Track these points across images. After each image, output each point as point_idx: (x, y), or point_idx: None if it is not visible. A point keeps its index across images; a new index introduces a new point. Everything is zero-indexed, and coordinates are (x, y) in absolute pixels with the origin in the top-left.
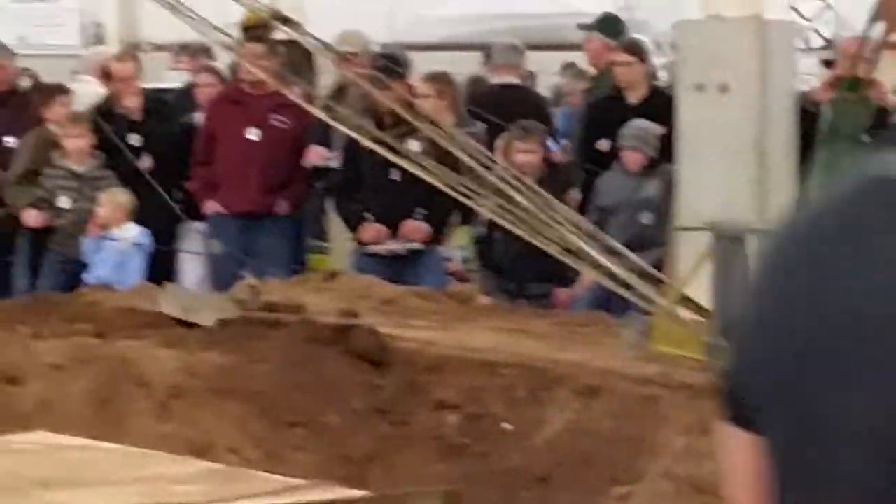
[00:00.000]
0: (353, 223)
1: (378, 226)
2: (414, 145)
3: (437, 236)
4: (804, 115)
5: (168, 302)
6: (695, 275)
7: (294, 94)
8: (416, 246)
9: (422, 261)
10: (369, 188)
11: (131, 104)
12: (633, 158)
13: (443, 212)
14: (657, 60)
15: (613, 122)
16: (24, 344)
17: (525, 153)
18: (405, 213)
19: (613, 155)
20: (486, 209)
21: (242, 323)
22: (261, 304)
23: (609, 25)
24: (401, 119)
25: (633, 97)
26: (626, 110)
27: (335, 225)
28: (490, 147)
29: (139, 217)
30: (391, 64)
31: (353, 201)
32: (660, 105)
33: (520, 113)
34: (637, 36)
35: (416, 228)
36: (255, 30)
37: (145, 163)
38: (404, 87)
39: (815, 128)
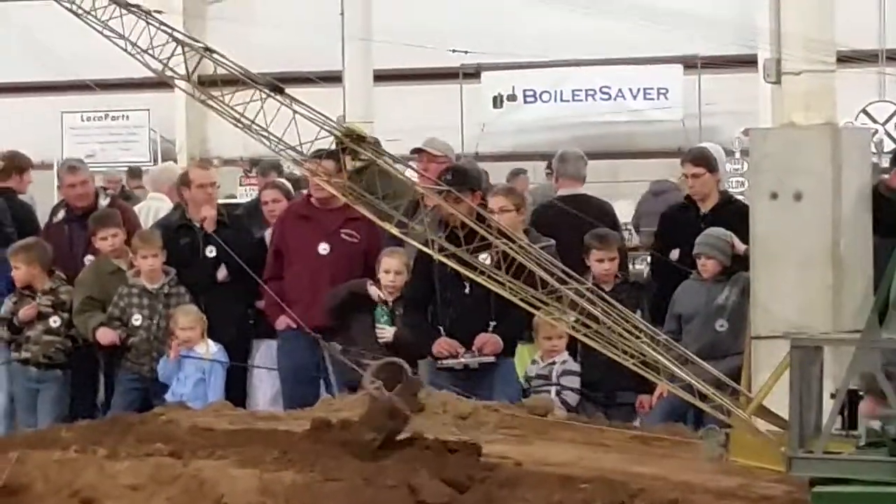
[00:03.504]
0: (424, 337)
1: (450, 340)
2: (486, 259)
3: (509, 349)
4: (881, 201)
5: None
6: (772, 385)
7: (366, 210)
8: (488, 359)
9: (494, 374)
10: (441, 302)
11: (209, 214)
12: (708, 266)
13: (515, 324)
14: (729, 167)
15: (686, 232)
16: (100, 465)
17: (602, 262)
18: (477, 326)
19: (685, 264)
20: (563, 324)
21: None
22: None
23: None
24: (474, 233)
25: (705, 206)
26: (698, 219)
27: None
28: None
29: (213, 334)
30: (463, 177)
31: (425, 315)
32: (730, 212)
33: (587, 223)
34: (705, 144)
35: (488, 341)
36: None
37: (221, 275)
38: (477, 199)
39: (893, 216)
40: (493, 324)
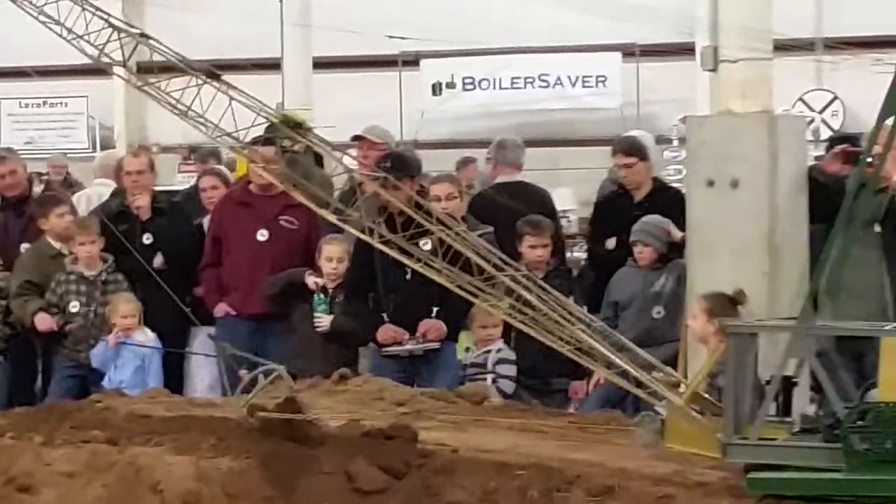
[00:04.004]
0: (367, 324)
1: (395, 327)
2: (427, 245)
3: (453, 334)
4: (817, 186)
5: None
6: (707, 371)
7: (303, 197)
8: (433, 345)
9: (437, 359)
10: (384, 288)
11: (143, 202)
12: (645, 253)
13: (457, 309)
14: (667, 154)
15: (620, 220)
16: (36, 452)
17: (535, 248)
18: (421, 311)
19: (621, 252)
20: (499, 310)
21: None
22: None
23: None
24: (412, 220)
25: (639, 194)
26: (632, 207)
27: None
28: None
29: (149, 320)
30: (401, 164)
31: (367, 302)
32: (665, 199)
33: (525, 210)
34: (634, 133)
35: (432, 327)
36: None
37: (156, 262)
38: (414, 186)
39: (829, 201)
40: (436, 309)
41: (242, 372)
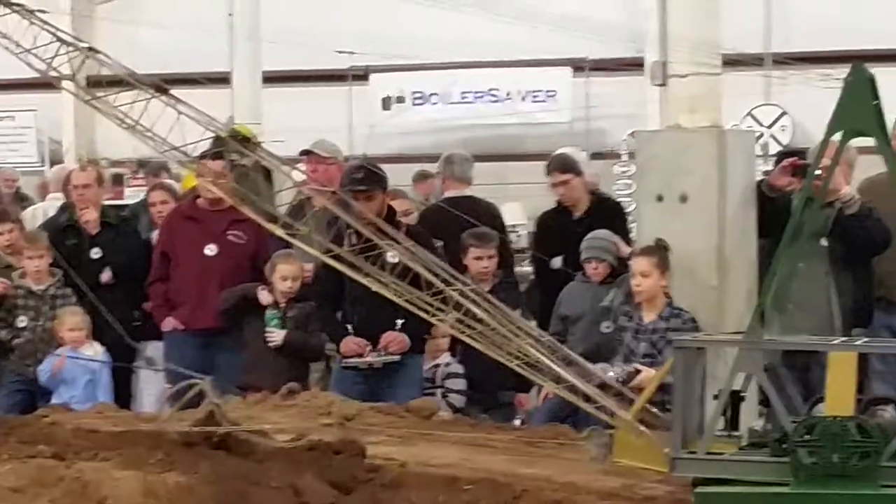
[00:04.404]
0: (334, 335)
1: (357, 339)
2: (395, 258)
3: (417, 346)
4: (765, 201)
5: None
6: (655, 386)
7: (252, 212)
8: (393, 358)
9: (401, 373)
10: (350, 300)
11: (90, 217)
12: (600, 269)
13: (422, 321)
14: (616, 169)
15: (563, 238)
16: None
17: (481, 259)
18: (385, 324)
19: (568, 272)
20: (445, 325)
21: (202, 442)
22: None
23: None
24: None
25: (577, 210)
26: (573, 223)
27: None
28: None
29: (98, 334)
30: (373, 177)
31: (335, 313)
32: (605, 212)
33: (474, 224)
34: (563, 150)
35: (394, 339)
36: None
37: (104, 277)
38: (387, 199)
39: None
40: (400, 322)
41: (167, 386)
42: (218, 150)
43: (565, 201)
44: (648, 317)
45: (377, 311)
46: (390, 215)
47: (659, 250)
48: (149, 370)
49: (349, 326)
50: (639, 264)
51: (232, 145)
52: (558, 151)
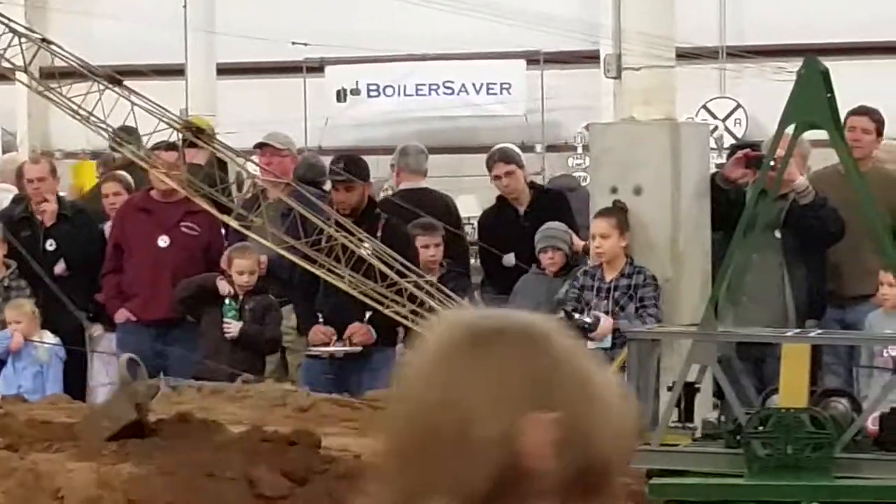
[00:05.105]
0: (305, 324)
1: (325, 328)
2: (367, 248)
3: (388, 339)
4: (719, 193)
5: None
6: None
7: (205, 203)
8: (354, 349)
9: (369, 364)
10: (323, 289)
11: (48, 208)
12: (556, 258)
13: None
14: (571, 161)
15: (510, 232)
16: None
17: (428, 248)
18: (355, 315)
19: (521, 267)
20: (397, 315)
21: (157, 433)
22: (174, 413)
23: None
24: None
25: (521, 204)
26: (519, 218)
27: None
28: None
29: (52, 325)
30: (354, 167)
31: (312, 302)
32: (549, 203)
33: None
34: (503, 146)
35: (358, 330)
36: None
37: (58, 268)
38: (367, 190)
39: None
40: (368, 314)
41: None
42: (177, 142)
43: (509, 193)
44: (610, 275)
45: (348, 302)
46: (370, 206)
47: (617, 211)
48: (102, 356)
49: (319, 315)
50: (598, 226)
51: (187, 136)
52: (500, 146)
